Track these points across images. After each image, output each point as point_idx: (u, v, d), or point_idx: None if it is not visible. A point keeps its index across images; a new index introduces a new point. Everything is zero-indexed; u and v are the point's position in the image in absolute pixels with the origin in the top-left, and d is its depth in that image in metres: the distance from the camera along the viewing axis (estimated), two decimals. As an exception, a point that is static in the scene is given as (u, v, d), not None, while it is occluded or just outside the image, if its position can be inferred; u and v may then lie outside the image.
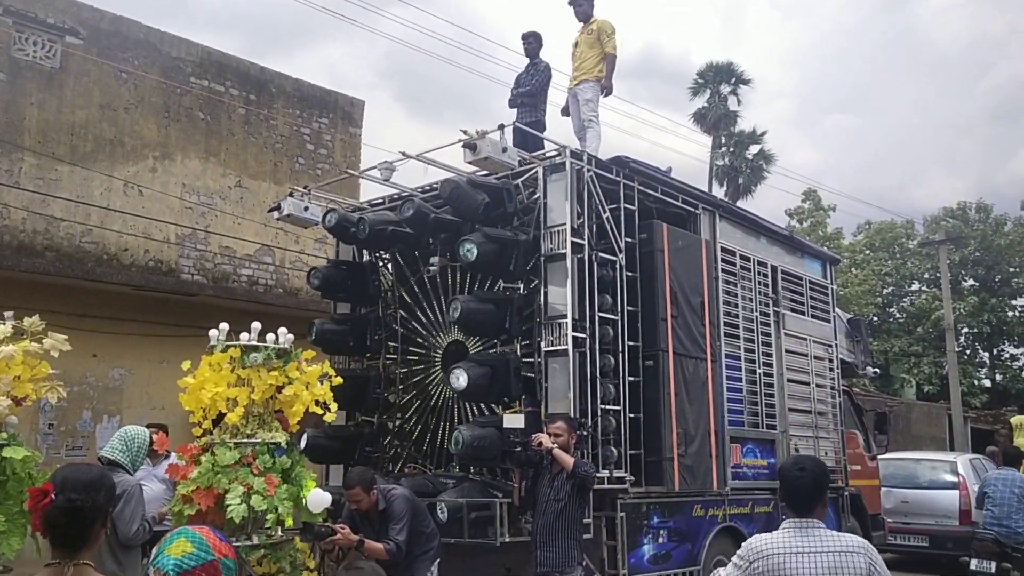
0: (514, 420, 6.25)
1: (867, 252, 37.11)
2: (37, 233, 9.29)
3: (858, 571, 3.05)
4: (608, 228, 7.09)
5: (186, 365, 6.05)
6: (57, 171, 9.49)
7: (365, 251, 8.21)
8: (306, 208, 7.81)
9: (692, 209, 8.14)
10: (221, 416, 6.22)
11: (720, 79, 32.39)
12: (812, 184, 41.35)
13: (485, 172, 7.03)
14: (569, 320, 6.52)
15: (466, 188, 6.63)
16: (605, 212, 7.06)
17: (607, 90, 8.38)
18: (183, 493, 5.72)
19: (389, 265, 8.24)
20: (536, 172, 6.97)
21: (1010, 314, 37.67)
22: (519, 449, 5.97)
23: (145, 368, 10.28)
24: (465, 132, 6.47)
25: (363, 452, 7.56)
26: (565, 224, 6.69)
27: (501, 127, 6.66)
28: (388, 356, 7.93)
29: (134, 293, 10.03)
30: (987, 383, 37.95)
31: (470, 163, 6.51)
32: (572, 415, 6.22)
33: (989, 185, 63.31)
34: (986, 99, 73.80)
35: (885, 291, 37.00)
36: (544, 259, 6.76)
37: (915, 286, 39.14)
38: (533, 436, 5.82)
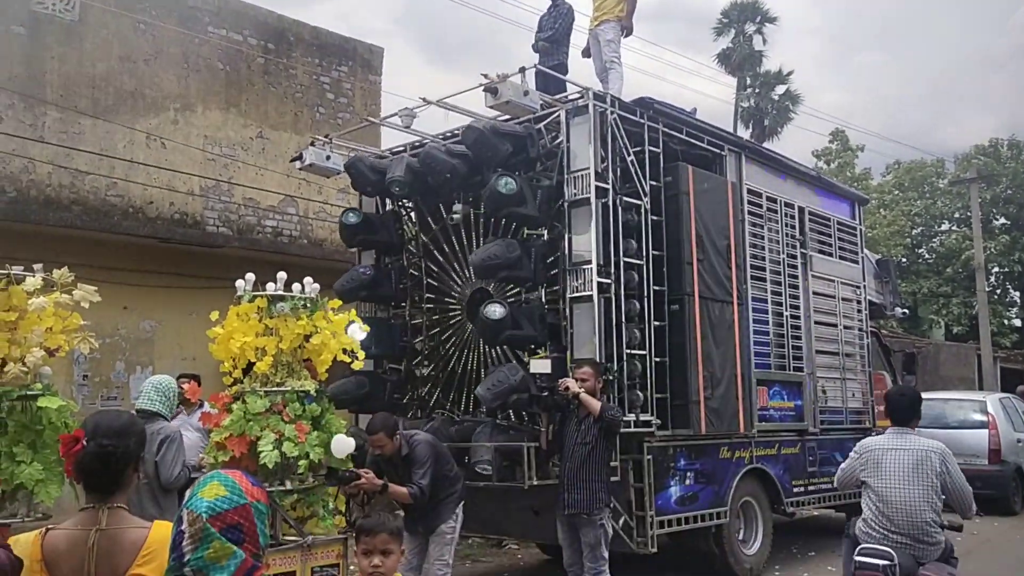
0: (541, 365, 6.28)
1: (896, 192, 36.52)
2: (63, 187, 9.35)
3: (932, 466, 4.43)
4: (632, 171, 7.01)
5: (214, 315, 6.10)
6: (80, 125, 9.50)
7: (388, 200, 8.19)
8: (328, 157, 7.78)
9: (718, 151, 8.02)
10: (251, 365, 6.30)
11: (745, 18, 31.58)
12: (840, 124, 40.60)
13: (506, 117, 6.95)
14: (594, 266, 6.49)
15: (488, 135, 6.55)
16: (629, 155, 6.98)
17: (628, 30, 8.22)
18: (216, 440, 5.81)
19: (412, 214, 8.22)
20: (559, 116, 6.88)
21: (1040, 253, 37.10)
22: (546, 394, 6.00)
23: (174, 319, 10.40)
24: (486, 76, 6.38)
25: (391, 399, 7.63)
26: (589, 168, 6.62)
27: (522, 70, 6.57)
28: (413, 305, 7.95)
29: (161, 246, 10.10)
30: (1017, 323, 37.55)
31: (491, 107, 6.44)
32: (597, 360, 6.23)
33: (1021, 122, 61.77)
34: (1018, 34, 71.52)
35: (914, 231, 36.47)
36: (568, 204, 6.72)
37: (944, 226, 38.55)
38: (560, 381, 5.85)
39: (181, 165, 10.37)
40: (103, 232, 9.32)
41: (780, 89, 33.00)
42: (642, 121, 7.19)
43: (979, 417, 12.15)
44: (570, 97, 6.98)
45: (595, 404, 5.70)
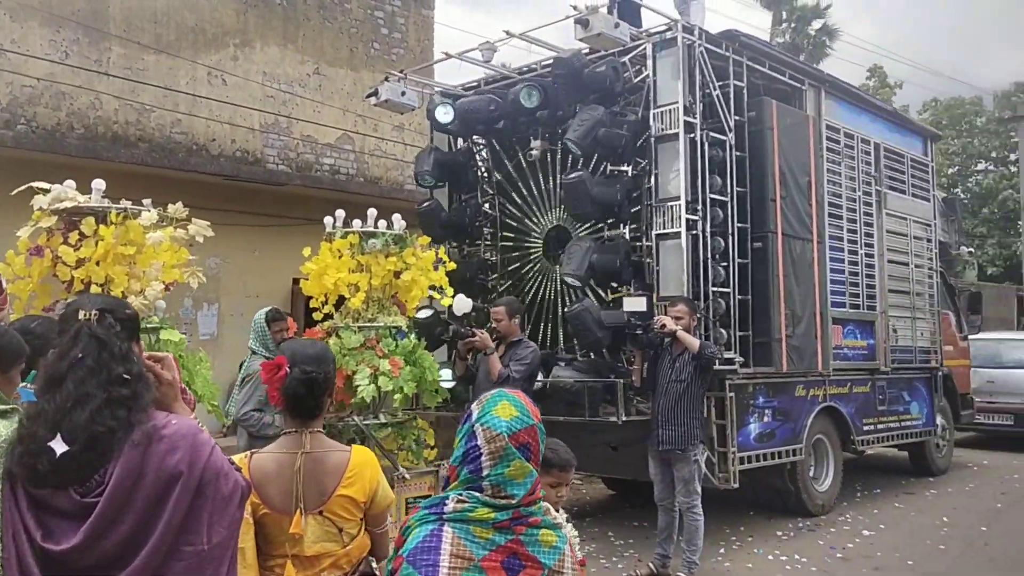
0: (635, 303, 6.27)
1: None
2: (129, 124, 9.33)
3: None
4: (718, 106, 6.88)
5: (307, 251, 6.13)
6: (144, 60, 9.44)
7: (460, 138, 8.10)
8: (403, 93, 7.69)
9: (798, 85, 7.86)
10: (340, 302, 6.34)
11: (781, -52, 30.54)
12: (880, 56, 39.68)
13: (589, 49, 6.81)
14: (682, 202, 6.43)
15: (579, 68, 6.43)
16: (715, 89, 6.85)
17: (710, -40, 7.98)
18: (311, 375, 5.88)
19: (485, 151, 8.13)
20: (644, 49, 6.74)
21: (1081, 192, 36.46)
22: (640, 332, 6.00)
23: (239, 257, 10.46)
24: (576, 8, 6.24)
25: (442, 335, 7.63)
26: (677, 102, 6.51)
27: (612, 2, 6.42)
28: (489, 242, 7.93)
29: (224, 183, 10.10)
30: (1053, 264, 37.12)
31: (581, 40, 6.32)
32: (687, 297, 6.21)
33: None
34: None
35: (950, 171, 35.86)
36: (655, 140, 6.62)
37: (981, 165, 37.89)
38: (657, 318, 5.84)
39: (241, 102, 10.31)
40: (172, 169, 9.33)
41: (817, 24, 32.08)
42: (727, 54, 7.04)
43: (1036, 357, 12.07)
44: (657, 29, 6.82)
45: (694, 342, 5.70)
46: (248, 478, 2.38)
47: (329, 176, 11.17)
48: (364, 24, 11.73)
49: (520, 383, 5.63)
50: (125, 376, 2.11)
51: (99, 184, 4.59)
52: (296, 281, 11.09)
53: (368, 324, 6.10)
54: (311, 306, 6.36)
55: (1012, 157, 35.36)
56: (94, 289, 4.38)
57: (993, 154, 37.37)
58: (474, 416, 1.83)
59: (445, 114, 7.17)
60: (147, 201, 5.03)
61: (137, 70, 9.38)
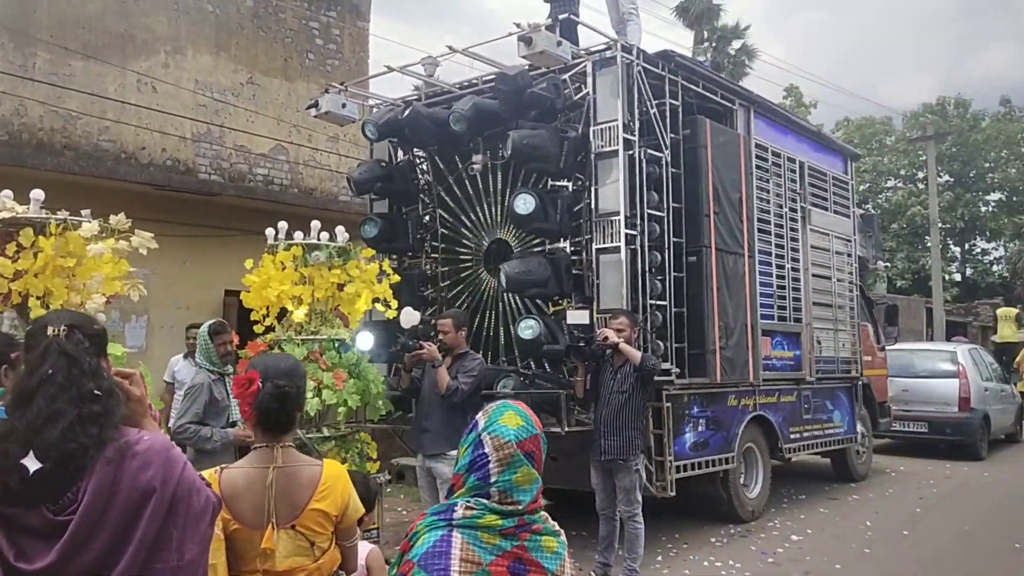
0: (579, 316, 6.38)
1: (846, 148, 37.17)
2: (55, 131, 9.05)
3: None
4: (655, 124, 7.07)
5: (249, 263, 6.06)
6: (71, 66, 9.17)
7: (401, 150, 8.12)
8: (344, 105, 7.67)
9: (730, 105, 8.13)
10: (282, 314, 6.29)
11: (703, -29, 31.30)
12: (796, 76, 41.09)
13: (531, 66, 6.92)
14: (622, 217, 6.58)
15: (524, 84, 6.53)
16: (652, 108, 7.04)
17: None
18: (254, 389, 5.81)
19: (426, 164, 8.16)
20: (585, 67, 6.89)
21: (983, 209, 38.47)
22: (583, 344, 6.11)
23: (168, 268, 10.16)
24: (518, 25, 6.35)
25: (390, 348, 7.64)
26: (617, 120, 6.67)
27: (553, 20, 6.55)
28: (430, 255, 7.96)
29: (154, 193, 9.86)
30: (958, 277, 38.98)
31: (525, 57, 6.41)
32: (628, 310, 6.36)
33: (957, 81, 63.38)
34: (952, -4, 73.00)
35: (862, 187, 37.36)
36: (595, 156, 6.77)
37: (891, 183, 39.62)
38: (599, 331, 5.97)
39: (172, 110, 10.11)
40: (101, 178, 9.07)
41: (736, 44, 33.04)
42: (663, 74, 7.25)
43: (949, 367, 12.67)
44: (596, 48, 6.98)
45: (636, 354, 5.84)
46: (219, 494, 2.38)
47: (263, 187, 11.03)
48: (299, 34, 11.64)
49: (467, 395, 5.68)
50: (96, 392, 2.11)
51: (38, 194, 4.48)
52: (228, 293, 10.91)
53: (311, 337, 6.08)
54: (252, 319, 6.30)
55: (920, 175, 37.13)
56: (32, 303, 4.28)
57: (902, 172, 39.16)
58: (480, 426, 1.91)
59: (371, 133, 7.30)
60: (86, 212, 4.93)
61: (64, 76, 9.11)
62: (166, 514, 2.08)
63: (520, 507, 1.84)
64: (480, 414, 1.94)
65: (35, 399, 2.05)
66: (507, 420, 1.89)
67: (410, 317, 5.97)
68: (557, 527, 1.91)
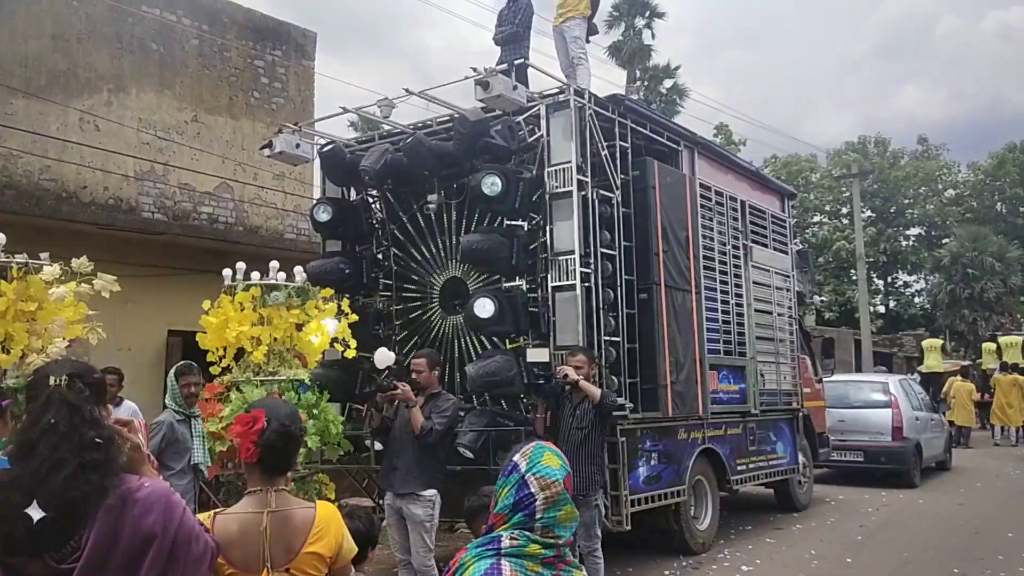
0: (538, 355, 6.47)
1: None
2: (-6, 170, 8.86)
3: None
4: (606, 165, 7.27)
5: (207, 304, 6.03)
6: (12, 104, 9.00)
7: (353, 189, 8.16)
8: (297, 145, 7.70)
9: (675, 146, 8.40)
10: (238, 355, 6.25)
11: (635, 12, 32.26)
12: (724, 115, 42.41)
13: (487, 109, 7.07)
14: (577, 256, 6.73)
15: (481, 128, 6.67)
16: (604, 150, 7.24)
17: (593, 29, 8.47)
18: (212, 430, 5.76)
19: (379, 203, 8.21)
20: (538, 110, 7.06)
21: (904, 244, 40.14)
22: (542, 382, 6.19)
23: (109, 308, 9.94)
24: (475, 70, 6.50)
25: (364, 388, 7.64)
26: (570, 162, 6.84)
27: (506, 65, 6.72)
28: (384, 293, 7.98)
29: (97, 232, 9.67)
30: (882, 309, 40.45)
31: (481, 100, 6.56)
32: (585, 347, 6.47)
33: (877, 119, 66.43)
34: (874, 36, 76.64)
35: (791, 223, 38.41)
36: (549, 196, 6.92)
37: (816, 218, 41.04)
38: (559, 369, 6.07)
39: (115, 148, 9.98)
40: (41, 217, 8.88)
41: (668, 83, 34.00)
42: (613, 117, 7.47)
43: (882, 397, 13.11)
44: (549, 92, 7.17)
45: (595, 391, 5.95)
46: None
47: (208, 225, 10.92)
48: (244, 73, 11.63)
49: (441, 435, 5.70)
50: (97, 440, 2.13)
51: (-2, 238, 4.41)
52: (172, 333, 10.72)
53: (270, 378, 6.05)
54: (209, 360, 6.23)
55: (844, 210, 38.59)
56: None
57: (827, 207, 40.61)
58: (523, 468, 2.02)
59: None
60: (45, 255, 4.86)
61: (4, 114, 8.93)
62: (167, 560, 2.11)
63: (560, 541, 1.96)
64: (518, 456, 2.03)
65: (38, 448, 2.06)
66: (548, 461, 2.02)
67: (384, 357, 5.99)
68: (579, 563, 2.01)
